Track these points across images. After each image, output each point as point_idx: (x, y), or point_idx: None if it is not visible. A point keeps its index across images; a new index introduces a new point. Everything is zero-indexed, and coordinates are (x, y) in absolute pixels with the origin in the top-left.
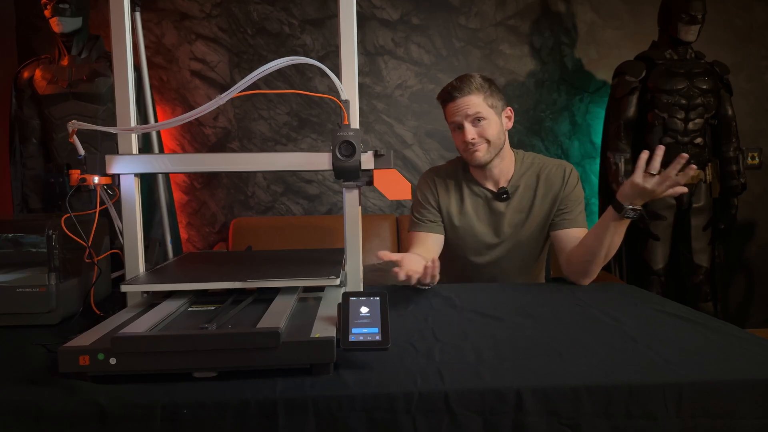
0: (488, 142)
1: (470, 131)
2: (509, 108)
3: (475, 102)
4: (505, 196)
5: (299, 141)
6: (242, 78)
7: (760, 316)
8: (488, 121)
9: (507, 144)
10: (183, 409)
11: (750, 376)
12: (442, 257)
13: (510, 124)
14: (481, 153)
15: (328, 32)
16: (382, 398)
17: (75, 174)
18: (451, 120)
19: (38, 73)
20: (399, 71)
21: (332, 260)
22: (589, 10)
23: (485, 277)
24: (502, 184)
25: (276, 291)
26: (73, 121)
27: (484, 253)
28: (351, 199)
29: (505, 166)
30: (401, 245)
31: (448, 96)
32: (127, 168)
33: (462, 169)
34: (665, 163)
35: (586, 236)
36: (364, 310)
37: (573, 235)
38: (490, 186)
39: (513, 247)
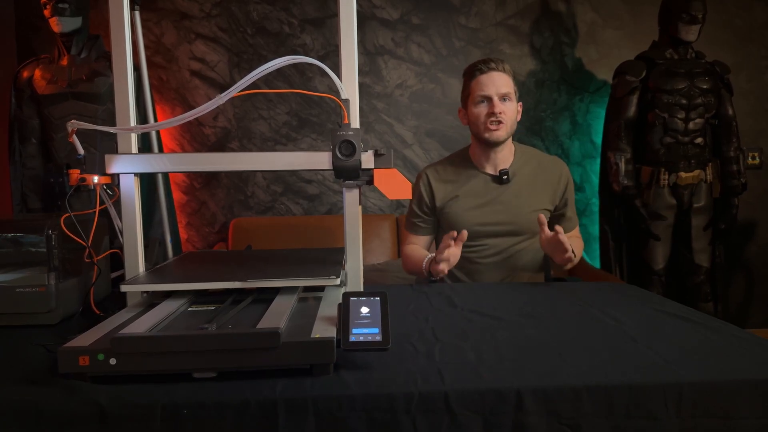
0: (507, 124)
1: (499, 105)
2: (520, 104)
3: (507, 81)
4: (505, 177)
5: (299, 141)
6: (242, 78)
7: (760, 316)
8: (512, 103)
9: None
10: (183, 409)
11: (750, 376)
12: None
13: (519, 118)
14: (502, 132)
15: (328, 32)
16: (382, 398)
17: (74, 174)
18: (480, 92)
19: (38, 72)
20: (399, 71)
21: (332, 260)
22: (589, 10)
23: (491, 267)
24: (503, 167)
25: (276, 291)
26: (72, 120)
27: (486, 236)
28: (351, 198)
29: (507, 153)
30: (401, 245)
31: (484, 66)
32: (126, 167)
33: (462, 159)
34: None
35: None
36: (364, 310)
37: (571, 237)
38: (490, 170)
39: (515, 229)
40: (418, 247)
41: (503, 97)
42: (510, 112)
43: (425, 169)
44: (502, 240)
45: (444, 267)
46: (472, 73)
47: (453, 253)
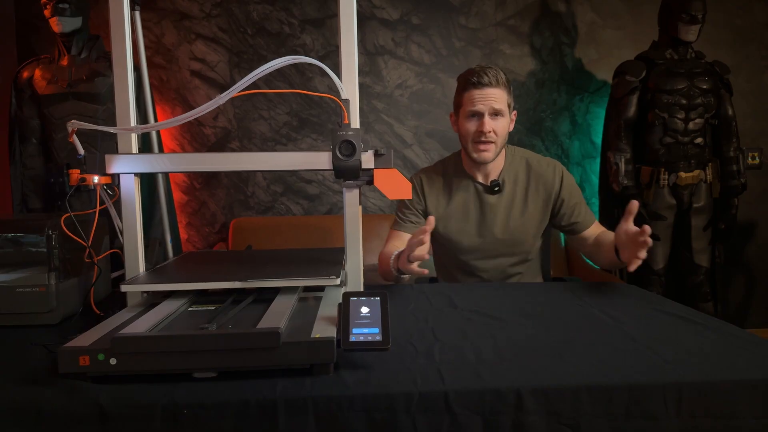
0: (497, 143)
1: (489, 123)
2: (514, 112)
3: (501, 97)
4: (497, 188)
5: (299, 141)
6: (242, 78)
7: (760, 316)
8: (504, 119)
9: None
10: (183, 409)
11: (750, 376)
12: (438, 255)
13: (512, 127)
14: (491, 153)
15: (328, 32)
16: (382, 398)
17: (75, 174)
18: (472, 107)
19: (38, 72)
20: (399, 71)
21: (332, 260)
22: (589, 10)
23: (482, 273)
24: (494, 177)
25: (276, 291)
26: (72, 120)
27: (478, 246)
28: (351, 198)
29: (498, 161)
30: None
31: (477, 81)
32: (126, 167)
33: (453, 165)
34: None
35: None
36: (364, 310)
37: (590, 233)
38: (482, 179)
39: (507, 240)
40: (394, 245)
41: (495, 113)
42: (501, 129)
43: (419, 173)
44: (498, 261)
45: (416, 267)
46: (465, 84)
47: (425, 250)
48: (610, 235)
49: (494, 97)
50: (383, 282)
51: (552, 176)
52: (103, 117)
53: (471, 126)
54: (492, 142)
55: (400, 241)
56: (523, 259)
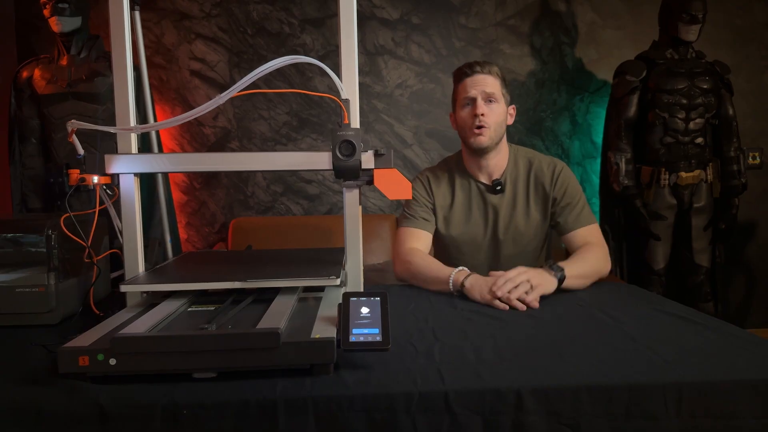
0: (491, 128)
1: (482, 106)
2: (513, 107)
3: (493, 83)
4: (499, 188)
5: (299, 141)
6: (242, 78)
7: (760, 316)
8: (498, 105)
9: (504, 139)
10: (183, 410)
11: (750, 376)
12: (437, 254)
13: (511, 121)
14: (485, 138)
15: (328, 32)
16: (382, 398)
17: (74, 174)
18: (465, 94)
19: (37, 72)
20: (399, 71)
21: (332, 260)
22: (589, 10)
23: (483, 273)
24: (496, 176)
25: (276, 291)
26: (72, 120)
27: (480, 246)
28: (351, 198)
29: (500, 160)
30: (395, 246)
31: (469, 70)
32: (126, 167)
33: (456, 165)
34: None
35: None
36: (364, 310)
37: (581, 235)
38: (484, 179)
39: (508, 240)
40: (425, 253)
41: (488, 98)
42: (495, 114)
43: (424, 171)
44: (493, 247)
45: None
46: (459, 76)
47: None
48: (573, 250)
49: (486, 83)
50: (383, 282)
51: (549, 175)
52: (103, 117)
53: (466, 113)
54: (486, 127)
55: (419, 240)
56: (525, 260)
